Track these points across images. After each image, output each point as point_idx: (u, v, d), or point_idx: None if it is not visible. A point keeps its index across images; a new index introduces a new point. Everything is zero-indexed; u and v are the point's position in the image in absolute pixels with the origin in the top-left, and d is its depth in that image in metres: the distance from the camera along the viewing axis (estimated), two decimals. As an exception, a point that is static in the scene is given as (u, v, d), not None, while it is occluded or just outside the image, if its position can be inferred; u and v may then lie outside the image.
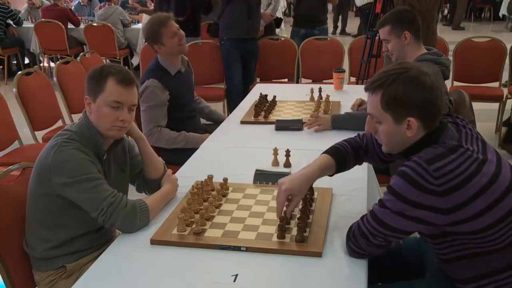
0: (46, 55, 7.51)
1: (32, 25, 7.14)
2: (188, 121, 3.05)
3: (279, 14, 8.06)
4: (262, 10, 5.02)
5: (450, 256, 1.48)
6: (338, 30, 11.25)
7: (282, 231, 1.60)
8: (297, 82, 5.06)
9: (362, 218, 1.50)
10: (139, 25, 7.20)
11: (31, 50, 7.46)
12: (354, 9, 12.12)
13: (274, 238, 1.60)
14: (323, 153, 1.76)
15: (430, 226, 1.39)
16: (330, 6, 7.25)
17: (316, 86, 3.30)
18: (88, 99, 1.76)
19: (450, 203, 1.32)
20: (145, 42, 2.85)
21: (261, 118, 2.90)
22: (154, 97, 2.82)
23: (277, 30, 7.88)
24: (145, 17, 7.13)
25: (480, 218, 1.34)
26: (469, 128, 1.52)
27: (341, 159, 1.74)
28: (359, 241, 1.47)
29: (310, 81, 4.94)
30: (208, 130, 3.02)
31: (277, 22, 5.73)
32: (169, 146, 2.87)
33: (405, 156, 1.49)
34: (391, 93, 1.42)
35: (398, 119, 1.44)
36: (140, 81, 2.89)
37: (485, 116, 4.69)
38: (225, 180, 1.95)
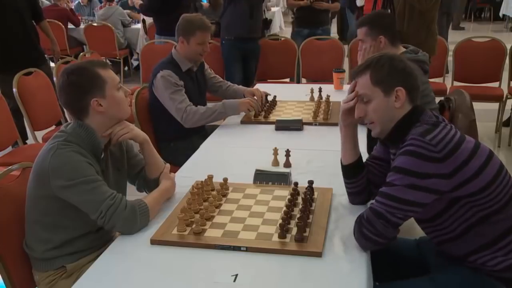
0: (46, 55, 7.49)
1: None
2: None
3: (279, 14, 8.08)
4: None
5: (461, 228, 1.54)
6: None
7: (283, 230, 1.60)
8: (297, 82, 5.06)
9: (369, 206, 1.56)
10: (139, 25, 7.19)
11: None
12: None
13: (274, 238, 1.60)
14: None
15: (438, 194, 1.49)
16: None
17: (316, 86, 3.30)
18: (96, 101, 1.73)
19: (450, 167, 1.46)
20: (178, 36, 2.83)
21: (261, 118, 2.90)
22: (173, 83, 2.83)
23: (278, 30, 7.89)
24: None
25: (477, 178, 1.48)
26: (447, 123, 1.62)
27: (361, 162, 1.83)
28: (375, 224, 1.50)
29: (310, 81, 4.94)
30: (208, 130, 3.02)
31: (266, 23, 5.73)
32: (207, 119, 2.84)
33: (392, 142, 1.64)
34: (379, 69, 1.60)
35: (387, 91, 1.60)
36: (151, 76, 2.91)
37: (485, 116, 4.69)
38: (225, 180, 1.95)
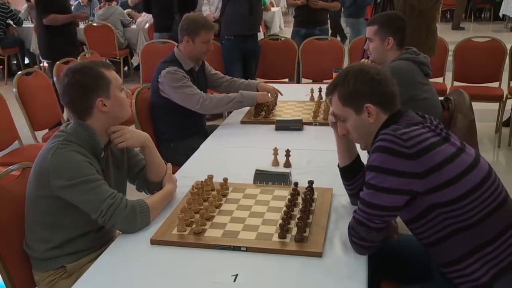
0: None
1: (32, 25, 7.14)
2: (191, 119, 2.98)
3: (279, 14, 8.06)
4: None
5: (434, 238, 1.50)
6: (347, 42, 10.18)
7: (283, 230, 1.60)
8: (297, 82, 5.06)
9: (355, 210, 1.55)
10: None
11: (31, 50, 7.45)
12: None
13: (274, 238, 1.60)
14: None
15: (411, 195, 1.45)
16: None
17: (316, 86, 3.30)
18: (101, 101, 1.73)
19: (423, 166, 1.42)
20: (182, 35, 2.89)
21: (261, 118, 2.91)
22: (182, 76, 2.83)
23: (278, 30, 7.85)
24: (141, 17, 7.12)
25: (453, 186, 1.43)
26: (436, 123, 1.57)
27: (358, 163, 1.83)
28: (359, 231, 1.50)
29: (311, 81, 4.94)
30: (208, 130, 3.02)
31: None
32: (225, 106, 2.87)
33: None
34: (344, 88, 1.60)
35: (357, 109, 1.59)
36: (154, 76, 2.92)
37: (485, 116, 4.69)
38: (225, 180, 1.95)
